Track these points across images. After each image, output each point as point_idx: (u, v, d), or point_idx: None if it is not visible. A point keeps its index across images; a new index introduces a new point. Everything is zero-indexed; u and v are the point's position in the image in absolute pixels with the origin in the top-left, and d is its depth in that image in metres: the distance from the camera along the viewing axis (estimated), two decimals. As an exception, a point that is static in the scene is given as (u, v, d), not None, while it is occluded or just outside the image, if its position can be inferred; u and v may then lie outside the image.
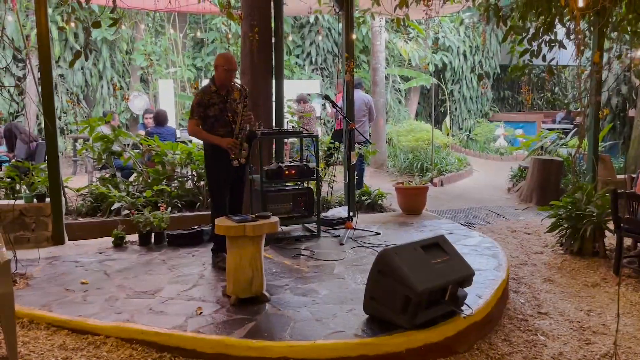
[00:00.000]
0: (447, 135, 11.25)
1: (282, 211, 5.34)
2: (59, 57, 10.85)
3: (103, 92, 11.34)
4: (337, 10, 6.11)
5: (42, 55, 5.05)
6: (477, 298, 3.55)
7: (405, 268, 3.04)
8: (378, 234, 5.42)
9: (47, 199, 5.23)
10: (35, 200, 5.18)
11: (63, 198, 5.34)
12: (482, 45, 11.84)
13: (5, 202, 5.22)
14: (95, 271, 4.35)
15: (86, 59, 4.84)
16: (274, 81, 6.37)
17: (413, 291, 2.96)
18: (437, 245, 3.40)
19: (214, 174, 4.49)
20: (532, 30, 6.21)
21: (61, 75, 10.93)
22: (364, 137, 6.05)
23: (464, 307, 3.33)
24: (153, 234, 5.22)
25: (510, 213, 7.28)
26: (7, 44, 4.56)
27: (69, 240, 5.36)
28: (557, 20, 6.13)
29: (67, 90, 10.97)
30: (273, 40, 6.31)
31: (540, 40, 6.13)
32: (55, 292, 3.85)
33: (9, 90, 10.58)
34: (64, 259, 4.72)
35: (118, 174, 7.52)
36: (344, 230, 5.34)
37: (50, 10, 10.12)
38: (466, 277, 3.32)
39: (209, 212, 6.45)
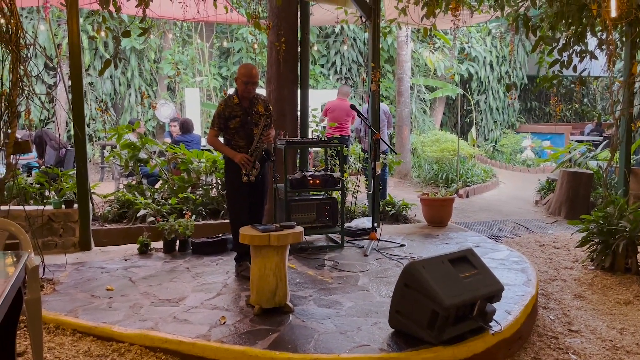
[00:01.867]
0: (473, 146, 11.11)
1: (306, 221, 5.31)
2: (89, 66, 11.08)
3: (131, 100, 11.52)
4: (364, 20, 6.10)
5: (73, 63, 5.14)
6: (505, 314, 3.46)
7: (433, 282, 2.97)
8: (402, 245, 5.35)
9: (75, 205, 5.30)
10: (63, 206, 5.26)
11: (90, 204, 5.40)
12: (510, 56, 11.69)
13: (35, 207, 5.31)
14: (120, 278, 4.38)
15: (115, 67, 4.91)
16: (299, 90, 6.39)
17: (441, 306, 2.90)
18: (466, 259, 3.33)
19: (232, 184, 4.46)
20: (562, 41, 6.11)
21: (91, 84, 11.15)
22: (388, 146, 5.99)
23: (492, 324, 3.24)
24: (177, 242, 5.25)
25: (538, 226, 7.12)
26: (40, 52, 4.63)
27: (95, 246, 5.42)
28: (588, 31, 6.02)
29: (96, 98, 11.17)
30: (299, 50, 6.33)
31: (570, 51, 6.02)
32: (82, 298, 3.88)
33: (40, 98, 10.82)
34: (90, 264, 4.77)
35: (144, 181, 7.61)
36: (368, 241, 5.29)
37: (81, 20, 10.35)
38: (495, 292, 3.24)
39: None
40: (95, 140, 11.35)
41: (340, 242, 5.34)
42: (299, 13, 6.35)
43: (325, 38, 12.88)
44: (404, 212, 6.96)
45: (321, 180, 5.19)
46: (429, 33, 7.42)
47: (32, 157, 7.50)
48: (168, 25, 11.50)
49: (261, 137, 4.32)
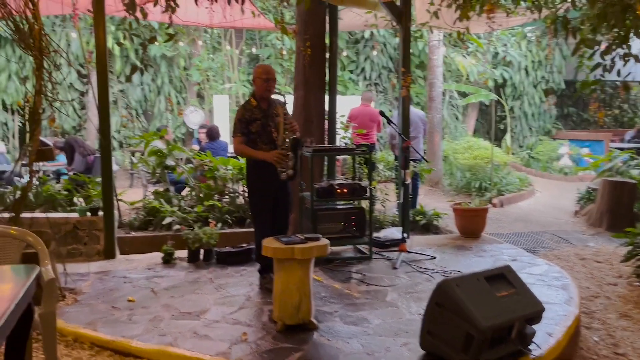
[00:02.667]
0: (508, 153, 10.73)
1: (333, 231, 5.14)
2: (120, 73, 11.18)
3: (161, 107, 11.58)
4: (394, 23, 5.91)
5: (99, 71, 5.12)
6: (546, 336, 3.21)
7: (468, 302, 2.76)
8: (434, 258, 5.12)
9: (100, 213, 5.25)
10: (88, 213, 5.22)
11: (116, 212, 5.35)
12: (548, 60, 11.24)
13: (60, 215, 5.29)
14: (142, 288, 4.28)
15: (142, 73, 4.87)
16: (327, 97, 6.24)
17: (476, 328, 2.68)
18: (503, 277, 3.10)
19: (256, 193, 4.30)
20: (604, 43, 5.79)
21: (122, 91, 11.26)
22: (420, 155, 5.79)
23: (532, 347, 3.00)
24: (202, 251, 5.14)
25: (578, 238, 6.77)
26: (65, 60, 4.61)
27: (121, 254, 5.36)
28: (632, 32, 5.69)
29: (127, 105, 11.26)
30: (327, 55, 6.19)
31: (613, 54, 5.70)
32: (102, 310, 3.79)
33: (72, 105, 11.00)
34: (114, 274, 4.70)
35: (171, 188, 7.57)
36: (398, 253, 5.07)
37: (112, 27, 10.46)
38: (535, 313, 3.00)
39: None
40: (126, 147, 11.43)
41: (368, 253, 5.15)
42: (327, 18, 6.21)
43: (354, 44, 12.72)
44: (435, 222, 6.71)
45: (349, 189, 5.01)
46: (462, 37, 7.17)
47: (61, 163, 7.55)
48: (198, 32, 11.53)
49: (285, 126, 4.15)
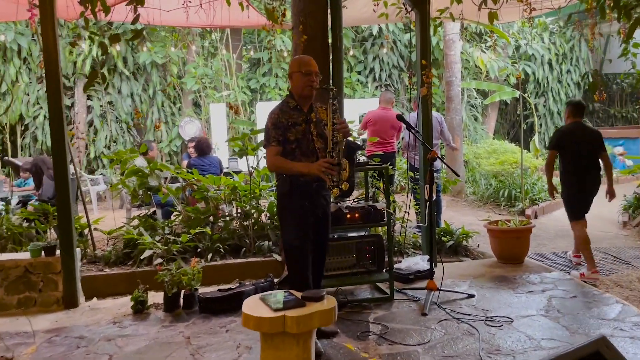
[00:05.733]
0: (536, 156, 9.65)
1: (344, 266, 4.15)
2: (108, 84, 10.27)
3: (154, 119, 10.65)
4: (409, 9, 4.91)
5: (49, 78, 4.17)
6: None
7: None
8: (472, 296, 4.08)
9: (58, 252, 4.29)
10: (43, 253, 4.26)
11: (76, 251, 4.38)
12: (591, 45, 9.99)
13: (7, 256, 4.33)
14: (99, 355, 3.31)
15: (103, 81, 3.97)
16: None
17: None
18: (599, 356, 2.06)
19: (293, 227, 3.26)
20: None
21: (110, 103, 10.35)
22: (450, 168, 4.73)
23: None
24: (182, 294, 4.16)
25: (636, 257, 5.69)
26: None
27: (88, 299, 4.42)
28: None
29: (117, 118, 10.35)
30: (330, 53, 5.22)
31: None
32: (34, 396, 2.82)
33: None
34: (69, 332, 3.72)
35: (158, 212, 6.61)
36: (426, 292, 4.03)
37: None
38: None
39: (256, 259, 5.38)
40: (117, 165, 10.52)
41: (389, 292, 4.12)
42: (328, 9, 5.23)
43: (362, 42, 11.72)
44: (464, 243, 5.69)
45: (361, 214, 4.00)
46: (480, 31, 6.14)
47: (30, 188, 6.62)
48: (191, 36, 10.60)
49: (334, 125, 3.13)
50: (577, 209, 5.14)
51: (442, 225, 5.95)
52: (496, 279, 4.55)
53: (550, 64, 12.31)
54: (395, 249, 5.50)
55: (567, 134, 5.08)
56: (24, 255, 4.27)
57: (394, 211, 5.94)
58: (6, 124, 9.90)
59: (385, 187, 4.15)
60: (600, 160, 5.04)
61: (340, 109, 5.50)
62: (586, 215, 5.19)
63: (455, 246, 5.63)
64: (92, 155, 10.32)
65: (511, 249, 4.95)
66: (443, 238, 5.66)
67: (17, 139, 10.05)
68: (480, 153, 9.87)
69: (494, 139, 11.68)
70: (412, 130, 3.97)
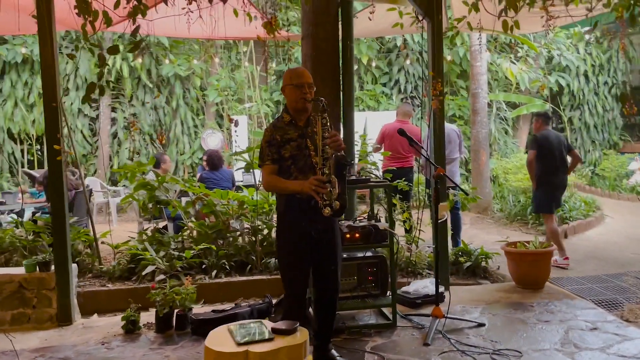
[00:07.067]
0: (569, 172, 9.14)
1: (343, 288, 3.91)
2: (132, 96, 10.37)
3: (177, 131, 10.68)
4: (421, 18, 4.68)
5: (46, 92, 4.13)
6: None
7: None
8: (481, 325, 3.77)
9: (53, 268, 4.20)
10: (37, 269, 4.18)
11: (71, 267, 4.28)
12: (621, 56, 9.50)
13: (3, 271, 4.27)
14: (78, 379, 3.16)
15: (102, 94, 3.91)
16: (341, 113, 5.07)
17: None
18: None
19: (285, 249, 3.15)
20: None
21: (134, 115, 10.43)
22: (457, 186, 4.43)
23: None
24: (175, 314, 4.00)
25: (673, 284, 5.23)
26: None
27: (91, 313, 4.41)
28: None
29: (140, 130, 10.42)
30: (340, 63, 5.04)
31: None
32: None
33: (82, 131, 10.25)
34: (54, 352, 3.61)
35: (170, 226, 6.52)
36: (431, 319, 3.74)
37: (121, 47, 9.66)
38: None
39: (262, 277, 5.19)
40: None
41: (391, 318, 3.86)
42: (339, 19, 5.06)
43: (387, 53, 11.48)
44: (483, 264, 5.35)
45: (362, 234, 3.76)
46: (510, 41, 5.85)
47: (43, 200, 6.65)
48: (214, 49, 10.61)
49: (324, 139, 2.93)
50: (550, 204, 5.95)
51: (461, 244, 5.64)
52: (511, 305, 4.21)
53: (586, 76, 11.77)
54: (409, 269, 5.23)
55: (544, 140, 5.86)
56: (19, 270, 4.20)
57: (410, 229, 5.69)
58: (32, 135, 10.09)
59: (388, 205, 3.90)
60: (569, 157, 6.00)
61: (350, 122, 5.30)
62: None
63: (473, 267, 5.30)
64: (115, 167, 10.40)
65: (530, 272, 4.61)
66: (460, 259, 5.34)
67: (44, 150, 10.22)
68: (509, 168, 9.46)
69: (525, 153, 11.21)
70: (415, 146, 3.71)
